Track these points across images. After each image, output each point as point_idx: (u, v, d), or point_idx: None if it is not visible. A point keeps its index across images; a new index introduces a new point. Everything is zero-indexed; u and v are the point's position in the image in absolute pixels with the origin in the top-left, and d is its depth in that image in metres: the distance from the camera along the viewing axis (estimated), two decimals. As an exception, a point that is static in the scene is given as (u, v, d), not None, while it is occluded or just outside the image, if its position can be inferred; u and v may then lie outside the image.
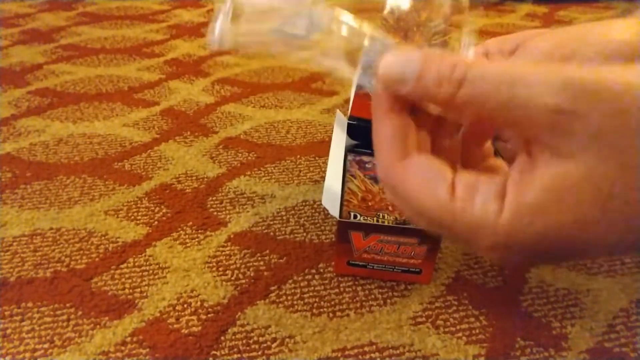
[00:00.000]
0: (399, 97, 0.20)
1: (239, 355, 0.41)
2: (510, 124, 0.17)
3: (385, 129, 0.21)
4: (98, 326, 0.43)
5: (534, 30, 0.31)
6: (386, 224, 0.46)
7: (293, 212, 0.57)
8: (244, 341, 0.42)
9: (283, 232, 0.54)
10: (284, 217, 0.56)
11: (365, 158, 0.57)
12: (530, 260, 0.19)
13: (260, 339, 0.42)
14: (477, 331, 0.43)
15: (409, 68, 0.19)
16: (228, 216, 0.56)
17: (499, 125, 0.19)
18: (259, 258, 0.50)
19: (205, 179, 0.62)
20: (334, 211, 0.43)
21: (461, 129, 0.23)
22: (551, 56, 0.29)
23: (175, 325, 0.43)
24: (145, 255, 0.50)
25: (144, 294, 0.46)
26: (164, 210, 0.56)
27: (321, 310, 0.45)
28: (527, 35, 0.31)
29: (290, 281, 0.48)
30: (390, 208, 0.49)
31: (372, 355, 0.41)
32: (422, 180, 0.19)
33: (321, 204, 0.58)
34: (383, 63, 0.20)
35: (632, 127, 0.15)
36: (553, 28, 0.31)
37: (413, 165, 0.20)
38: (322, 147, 0.69)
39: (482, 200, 0.18)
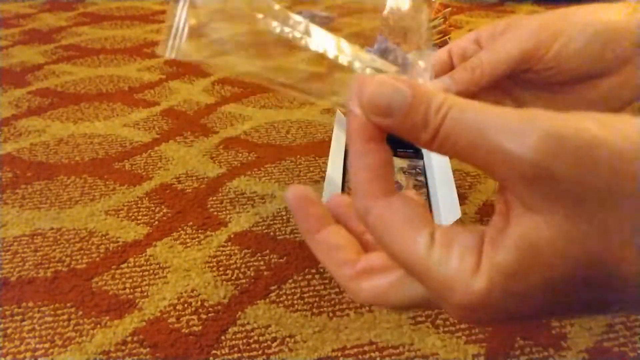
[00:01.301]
0: (380, 127, 0.19)
1: (239, 355, 0.41)
2: (486, 168, 0.17)
3: (369, 160, 0.19)
4: (99, 326, 0.43)
5: (524, 15, 0.32)
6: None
7: (293, 212, 0.57)
8: (244, 341, 0.42)
9: (283, 232, 0.54)
10: (284, 217, 0.56)
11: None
12: (501, 321, 0.19)
13: (261, 338, 0.42)
14: (477, 330, 0.43)
15: (396, 101, 0.17)
16: (228, 216, 0.56)
17: (476, 166, 0.18)
18: (259, 258, 0.50)
19: (206, 179, 0.62)
20: (334, 211, 0.43)
21: None
22: (537, 36, 0.30)
23: (175, 325, 0.43)
24: (145, 255, 0.50)
25: (145, 294, 0.46)
26: (165, 210, 0.56)
27: (321, 309, 0.45)
28: (516, 18, 0.32)
29: (290, 281, 0.48)
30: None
31: (372, 354, 0.41)
32: (405, 222, 0.18)
33: (321, 204, 0.58)
34: (370, 89, 0.18)
35: (608, 190, 0.15)
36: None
37: (396, 204, 0.18)
38: (322, 147, 0.69)
39: (459, 254, 0.17)
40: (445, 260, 0.17)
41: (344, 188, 0.51)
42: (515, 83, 0.34)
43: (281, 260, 0.50)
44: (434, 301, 0.19)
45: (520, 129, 0.15)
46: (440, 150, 0.18)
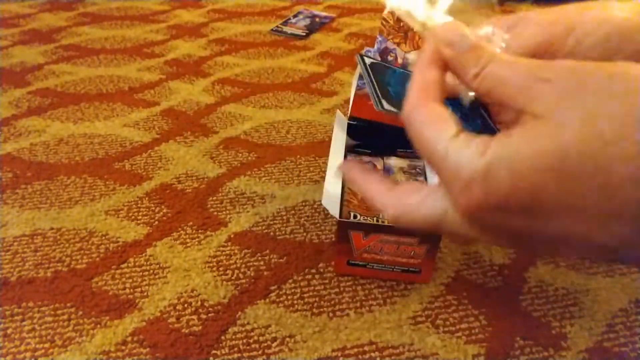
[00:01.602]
0: (441, 56, 0.25)
1: (239, 355, 0.41)
2: (505, 98, 0.22)
3: (425, 74, 0.25)
4: (99, 326, 0.43)
5: (531, 10, 0.32)
6: (386, 224, 0.46)
7: (293, 212, 0.57)
8: (244, 340, 0.42)
9: (283, 232, 0.54)
10: (284, 217, 0.56)
11: (365, 158, 0.57)
12: (500, 214, 0.21)
13: (261, 338, 0.42)
14: (477, 331, 0.43)
15: (462, 42, 0.24)
16: (228, 216, 0.56)
17: (500, 101, 0.23)
18: (259, 258, 0.50)
19: (206, 179, 0.62)
20: (334, 211, 0.43)
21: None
22: (551, 30, 0.30)
23: (175, 325, 0.43)
24: (145, 255, 0.50)
25: (145, 294, 0.46)
26: (165, 210, 0.56)
27: (321, 309, 0.45)
28: (525, 12, 0.32)
29: (290, 281, 0.48)
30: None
31: (372, 354, 0.41)
32: (439, 119, 0.23)
33: (321, 204, 0.58)
34: (446, 25, 0.25)
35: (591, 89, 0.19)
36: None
37: (435, 109, 0.24)
38: (322, 147, 0.69)
39: (474, 145, 0.22)
40: (461, 150, 0.22)
41: (344, 188, 0.51)
42: None
43: (281, 260, 0.50)
44: (450, 212, 0.23)
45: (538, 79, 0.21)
46: (480, 85, 0.23)
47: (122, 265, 0.49)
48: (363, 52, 0.57)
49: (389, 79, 0.31)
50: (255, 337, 0.42)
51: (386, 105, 0.27)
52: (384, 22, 0.50)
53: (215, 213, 0.56)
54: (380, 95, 0.28)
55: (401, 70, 0.33)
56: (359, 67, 0.57)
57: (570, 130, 0.19)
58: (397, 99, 0.28)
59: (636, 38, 0.29)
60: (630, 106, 0.18)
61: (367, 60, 0.31)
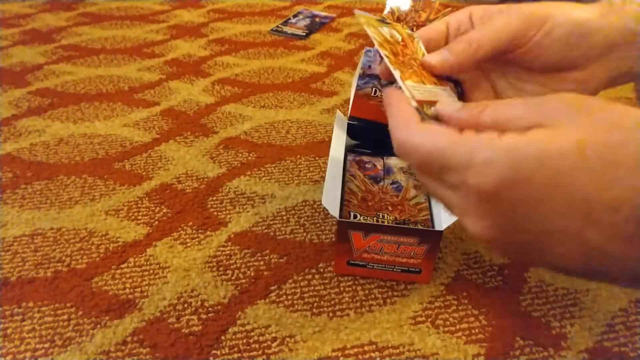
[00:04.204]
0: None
1: (239, 355, 0.41)
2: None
3: (400, 110, 0.27)
4: (99, 326, 0.43)
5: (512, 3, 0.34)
6: (386, 223, 0.46)
7: (293, 212, 0.57)
8: (244, 341, 0.42)
9: (283, 232, 0.54)
10: (284, 217, 0.56)
11: (365, 158, 0.57)
12: (517, 194, 0.22)
13: (261, 338, 0.42)
14: (477, 331, 0.43)
15: (454, 106, 0.27)
16: (228, 216, 0.56)
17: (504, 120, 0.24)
18: (259, 258, 0.50)
19: (206, 179, 0.62)
20: (334, 211, 0.43)
21: None
22: (528, 20, 0.32)
23: (175, 325, 0.43)
24: (145, 255, 0.50)
25: (145, 294, 0.46)
26: (165, 210, 0.56)
27: (321, 309, 0.45)
28: (509, 4, 0.34)
29: (290, 281, 0.48)
30: (390, 208, 0.49)
31: (372, 354, 0.41)
32: (433, 132, 0.24)
33: (321, 204, 0.58)
34: (439, 109, 0.28)
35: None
36: None
37: (425, 126, 0.25)
38: (322, 147, 0.69)
39: (486, 134, 0.23)
40: (472, 139, 0.23)
41: (344, 188, 0.51)
42: (494, 67, 0.36)
43: (281, 260, 0.50)
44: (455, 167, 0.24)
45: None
46: (486, 119, 0.25)
47: (122, 265, 0.49)
48: (363, 52, 0.57)
49: None
50: (255, 337, 0.42)
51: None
52: (384, 22, 0.50)
53: (215, 213, 0.56)
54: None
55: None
56: (359, 67, 0.57)
57: (587, 130, 0.21)
58: None
59: (594, 37, 0.32)
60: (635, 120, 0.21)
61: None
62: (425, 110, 0.28)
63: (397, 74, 0.30)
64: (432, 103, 0.28)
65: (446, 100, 0.30)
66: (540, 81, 0.35)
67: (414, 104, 0.27)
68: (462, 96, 0.36)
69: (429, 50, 0.34)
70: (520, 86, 0.36)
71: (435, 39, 0.35)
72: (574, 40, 0.32)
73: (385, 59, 0.30)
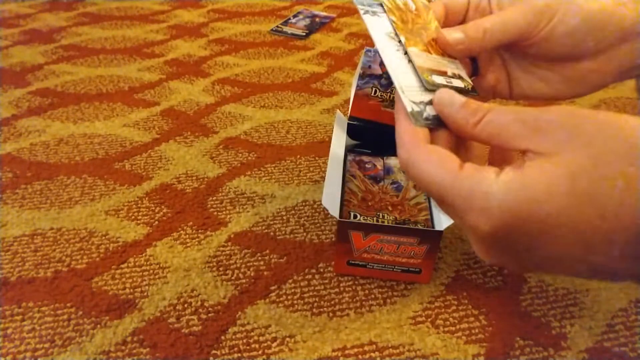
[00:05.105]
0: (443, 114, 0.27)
1: (239, 355, 0.41)
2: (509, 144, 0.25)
3: (408, 122, 0.27)
4: (99, 326, 0.43)
5: None
6: (386, 223, 0.46)
7: (293, 212, 0.57)
8: (244, 340, 0.42)
9: (283, 232, 0.54)
10: (284, 217, 0.56)
11: (365, 158, 0.57)
12: (513, 234, 0.23)
13: (261, 338, 0.42)
14: (477, 331, 0.43)
15: (455, 100, 0.27)
16: (228, 216, 0.56)
17: (501, 144, 0.25)
18: (259, 258, 0.50)
19: (206, 179, 0.62)
20: (334, 211, 0.43)
21: None
22: (542, 11, 0.32)
23: (175, 325, 0.43)
24: (145, 255, 0.50)
25: (145, 294, 0.46)
26: (165, 210, 0.56)
27: (321, 309, 0.45)
28: None
29: (290, 281, 0.48)
30: (390, 208, 0.49)
31: (372, 354, 0.41)
32: (439, 155, 0.25)
33: (321, 204, 0.58)
34: (440, 93, 0.28)
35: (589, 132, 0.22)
36: None
37: (432, 147, 0.26)
38: (322, 147, 0.69)
39: (485, 172, 0.23)
40: (473, 177, 0.23)
41: (344, 188, 0.51)
42: (506, 53, 0.37)
43: (281, 260, 0.50)
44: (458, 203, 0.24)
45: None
46: (481, 131, 0.25)
47: (122, 265, 0.49)
48: (363, 52, 0.57)
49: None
50: (255, 337, 0.42)
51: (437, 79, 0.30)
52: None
53: (215, 213, 0.56)
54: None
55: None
56: (359, 67, 0.57)
57: (579, 160, 0.22)
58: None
59: (606, 29, 0.32)
60: (629, 146, 0.21)
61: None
62: (425, 77, 0.28)
63: (402, 39, 0.30)
64: (439, 73, 0.29)
65: (452, 73, 0.31)
66: (550, 67, 0.35)
67: (409, 109, 0.27)
68: (476, 71, 0.37)
69: (446, 19, 0.35)
70: (530, 70, 0.36)
71: (455, 11, 0.35)
72: (585, 30, 0.32)
73: (392, 25, 0.31)
